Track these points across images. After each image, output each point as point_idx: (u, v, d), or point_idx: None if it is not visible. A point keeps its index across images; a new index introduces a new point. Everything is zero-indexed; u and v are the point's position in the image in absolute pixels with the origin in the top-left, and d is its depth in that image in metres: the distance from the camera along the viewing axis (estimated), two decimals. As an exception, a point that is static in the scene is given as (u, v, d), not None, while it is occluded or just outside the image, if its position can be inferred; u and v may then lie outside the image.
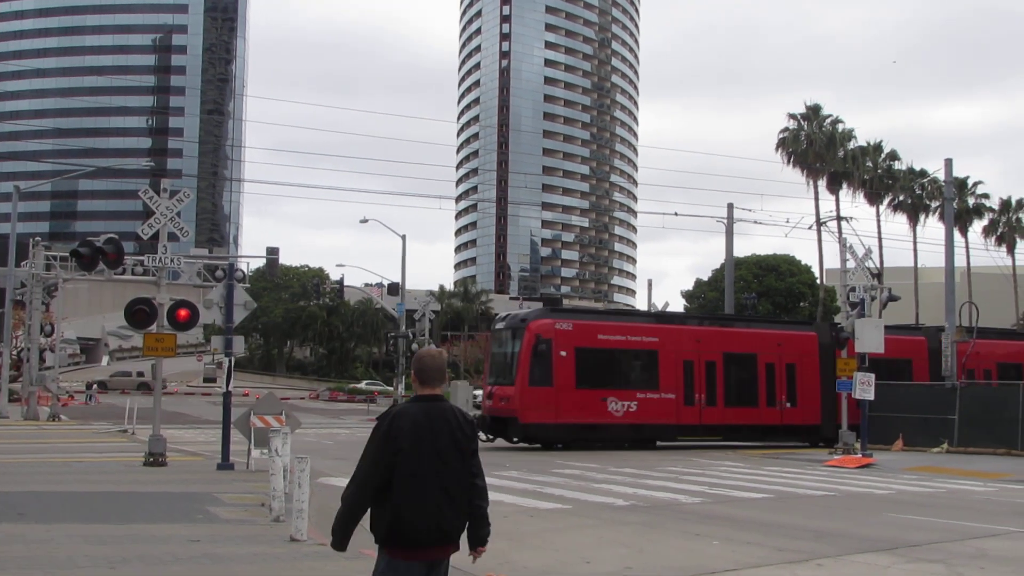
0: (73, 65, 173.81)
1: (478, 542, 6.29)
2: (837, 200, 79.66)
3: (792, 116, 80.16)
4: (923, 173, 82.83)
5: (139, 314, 23.10)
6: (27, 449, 27.31)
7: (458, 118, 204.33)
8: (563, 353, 33.04)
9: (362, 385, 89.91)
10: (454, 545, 6.10)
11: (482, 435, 34.68)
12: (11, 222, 51.60)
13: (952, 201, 45.05)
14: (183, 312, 23.51)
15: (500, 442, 34.50)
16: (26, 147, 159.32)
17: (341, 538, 6.02)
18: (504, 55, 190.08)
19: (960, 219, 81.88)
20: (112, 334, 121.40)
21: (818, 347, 37.14)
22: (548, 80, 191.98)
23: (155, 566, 11.03)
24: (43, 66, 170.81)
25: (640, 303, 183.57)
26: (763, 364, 36.17)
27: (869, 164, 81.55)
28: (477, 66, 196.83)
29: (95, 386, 74.00)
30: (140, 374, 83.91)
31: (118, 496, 17.25)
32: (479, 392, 74.13)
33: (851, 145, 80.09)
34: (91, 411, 54.49)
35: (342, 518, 6.01)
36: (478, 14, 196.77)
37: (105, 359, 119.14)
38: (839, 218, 55.55)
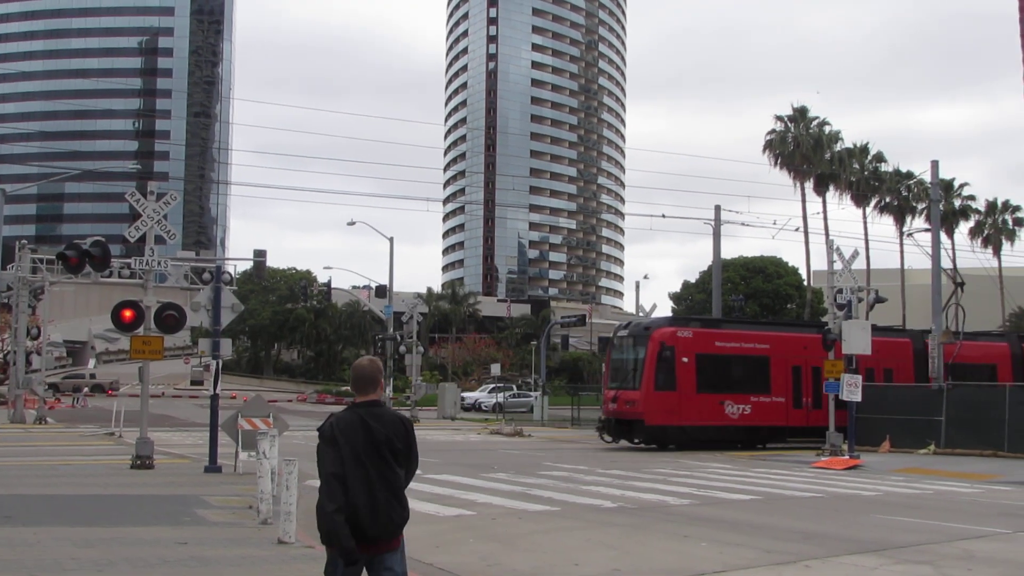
0: (59, 68, 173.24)
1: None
2: (824, 202, 79.90)
3: (779, 118, 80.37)
4: (909, 175, 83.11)
5: (126, 317, 23.03)
6: (14, 452, 27.20)
7: (445, 120, 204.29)
8: (685, 359, 35.13)
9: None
10: (396, 541, 6.52)
11: (606, 437, 36.36)
12: (-3, 225, 51.34)
13: (938, 203, 45.18)
14: (170, 315, 23.46)
15: (622, 443, 35.89)
16: (12, 150, 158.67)
17: (349, 543, 6.25)
18: (491, 57, 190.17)
19: (946, 221, 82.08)
20: (99, 337, 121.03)
21: (912, 353, 39.42)
22: (535, 82, 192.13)
23: (142, 569, 11.00)
24: (29, 69, 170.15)
25: (628, 305, 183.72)
26: (864, 369, 37.56)
27: (856, 166, 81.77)
28: (464, 68, 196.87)
29: (85, 390, 73.67)
30: (92, 376, 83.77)
31: (105, 499, 17.20)
32: (467, 394, 74.53)
33: (838, 147, 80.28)
34: (78, 414, 54.28)
35: (332, 519, 6.28)
36: (465, 16, 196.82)
37: (92, 362, 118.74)
38: (826, 220, 55.96)
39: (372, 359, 6.92)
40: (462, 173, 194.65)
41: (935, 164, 42.12)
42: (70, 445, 30.86)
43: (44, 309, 49.17)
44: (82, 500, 17.10)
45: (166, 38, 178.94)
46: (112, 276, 32.41)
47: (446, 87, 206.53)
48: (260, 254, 41.59)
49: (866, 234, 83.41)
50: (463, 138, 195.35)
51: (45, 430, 39.79)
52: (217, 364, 24.01)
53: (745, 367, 36.99)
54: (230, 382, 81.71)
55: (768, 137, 79.90)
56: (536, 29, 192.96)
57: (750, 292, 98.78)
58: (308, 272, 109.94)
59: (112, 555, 11.69)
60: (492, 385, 75.56)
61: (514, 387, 77.99)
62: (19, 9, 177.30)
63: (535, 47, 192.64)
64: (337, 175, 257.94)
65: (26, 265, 44.67)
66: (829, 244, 33.26)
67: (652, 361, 34.66)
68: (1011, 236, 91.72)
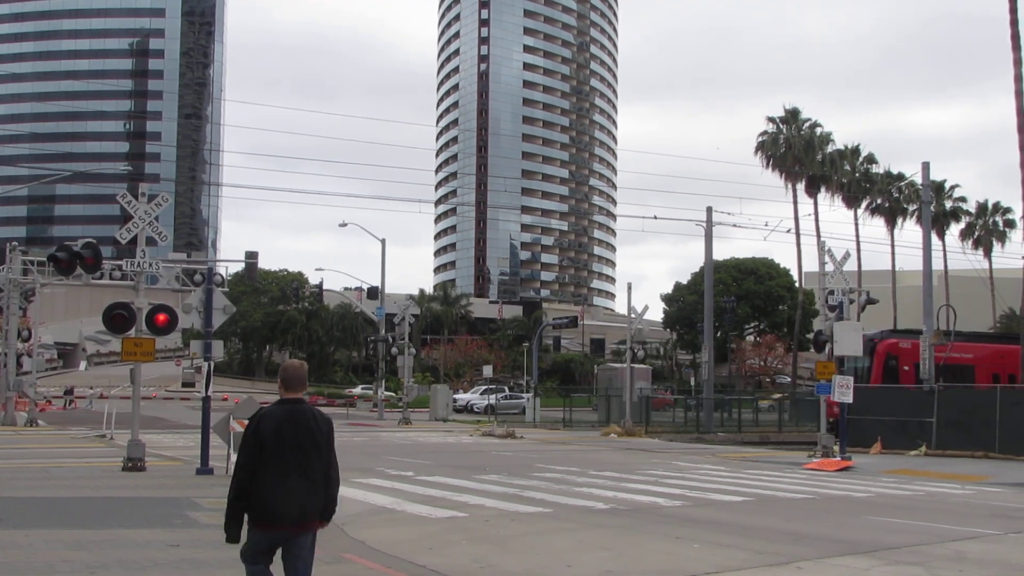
0: (49, 69, 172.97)
1: (324, 518, 7.47)
2: (815, 204, 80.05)
3: (771, 120, 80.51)
4: (900, 176, 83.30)
5: (117, 319, 22.99)
6: (4, 455, 27.11)
7: (437, 122, 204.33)
8: (906, 368, 39.45)
9: (358, 390, 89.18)
10: (314, 524, 7.36)
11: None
12: (-12, 226, 51.21)
13: (929, 204, 45.22)
14: (162, 316, 23.40)
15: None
16: (2, 151, 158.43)
17: (235, 529, 7.28)
18: (483, 59, 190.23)
19: (937, 222, 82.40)
20: (90, 339, 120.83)
21: None
22: (527, 83, 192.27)
23: (134, 571, 10.97)
24: (19, 71, 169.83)
25: (620, 307, 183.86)
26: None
27: (847, 167, 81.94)
28: (456, 70, 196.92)
29: (75, 390, 73.50)
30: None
31: (97, 501, 17.16)
32: (459, 396, 74.49)
33: (829, 149, 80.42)
34: (69, 416, 54.18)
35: (236, 508, 7.26)
36: (456, 18, 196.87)
37: (83, 364, 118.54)
38: (817, 221, 55.95)
39: (301, 362, 7.73)
40: (454, 174, 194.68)
41: (926, 166, 42.22)
42: (61, 447, 30.79)
43: (35, 311, 49.10)
44: (73, 502, 17.05)
45: (157, 40, 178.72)
46: (103, 278, 32.34)
47: (438, 88, 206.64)
48: (252, 256, 41.60)
49: (857, 236, 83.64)
50: (455, 139, 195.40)
51: (36, 432, 39.72)
52: (209, 366, 23.97)
53: (954, 374, 40.13)
54: (222, 384, 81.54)
55: (760, 139, 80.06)
56: (528, 31, 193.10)
57: (742, 293, 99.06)
58: (300, 274, 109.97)
59: (104, 557, 11.67)
60: (484, 387, 75.60)
61: (506, 389, 78.00)
62: (9, 11, 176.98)
63: (527, 48, 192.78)
64: (329, 176, 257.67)
65: (17, 267, 44.56)
66: (820, 246, 33.27)
67: (879, 370, 39.40)
68: (1002, 237, 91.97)
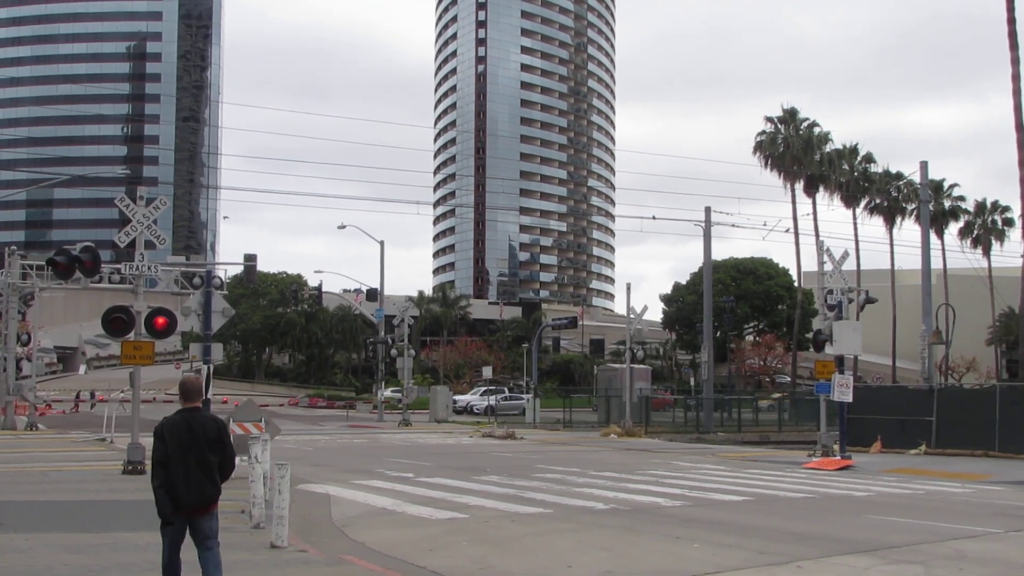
0: (47, 74, 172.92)
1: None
2: (814, 203, 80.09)
3: (769, 119, 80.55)
4: (899, 176, 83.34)
5: (116, 322, 22.96)
6: (4, 459, 27.10)
7: (435, 123, 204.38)
8: None
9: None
10: (212, 506, 9.04)
11: None
12: (-14, 231, 51.23)
13: (928, 203, 45.34)
14: (161, 320, 23.38)
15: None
16: (0, 156, 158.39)
17: (163, 507, 8.77)
18: (480, 60, 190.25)
19: (936, 221, 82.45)
20: (89, 343, 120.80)
21: None
22: (524, 85, 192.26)
23: (134, 574, 10.97)
24: (17, 75, 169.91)
25: (619, 307, 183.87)
26: None
27: (845, 167, 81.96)
28: (453, 71, 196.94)
29: (80, 393, 73.18)
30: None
31: (97, 505, 17.16)
32: (458, 397, 74.50)
33: (827, 148, 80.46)
34: (69, 420, 54.17)
35: (157, 493, 8.78)
36: (454, 19, 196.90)
37: (82, 368, 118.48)
38: (816, 221, 55.96)
39: (196, 376, 9.76)
40: (452, 176, 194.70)
41: (924, 165, 42.32)
42: (61, 451, 30.78)
43: (34, 315, 49.07)
44: (74, 506, 17.04)
45: (154, 43, 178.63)
46: (102, 282, 32.30)
47: (435, 90, 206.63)
48: (250, 258, 41.46)
49: (856, 235, 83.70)
50: (453, 141, 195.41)
51: (36, 436, 39.70)
52: (208, 369, 23.98)
53: None
54: (221, 387, 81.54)
55: (758, 138, 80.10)
56: (525, 32, 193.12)
57: (741, 293, 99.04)
58: (299, 276, 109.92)
59: (104, 561, 11.66)
60: (483, 388, 75.62)
61: (506, 390, 77.98)
62: (7, 15, 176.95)
63: (524, 50, 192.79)
64: (327, 179, 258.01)
65: (16, 271, 44.53)
66: (819, 245, 33.27)
67: None
68: (1000, 236, 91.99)
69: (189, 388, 9.34)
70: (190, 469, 8.78)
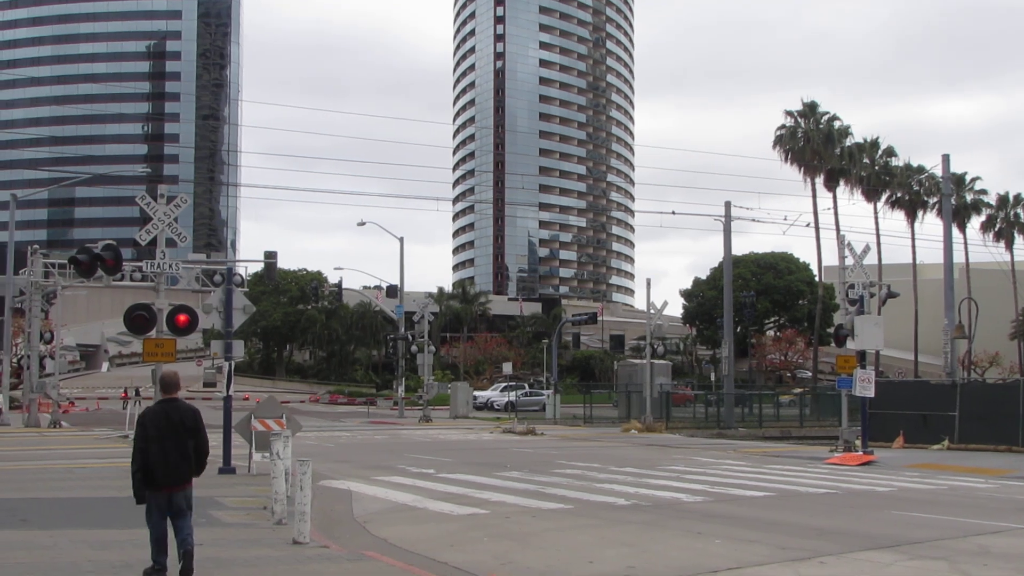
0: (68, 73, 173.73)
1: (197, 474, 10.63)
2: (835, 197, 79.71)
3: (789, 113, 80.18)
4: (920, 169, 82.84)
5: (138, 320, 23.09)
6: (29, 456, 27.30)
7: (454, 120, 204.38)
8: None
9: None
10: (186, 485, 10.46)
11: None
12: (9, 230, 51.59)
13: (950, 197, 45.06)
14: (182, 317, 23.49)
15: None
16: (22, 155, 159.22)
17: (141, 494, 10.31)
18: (499, 56, 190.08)
19: (958, 215, 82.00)
20: (111, 340, 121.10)
21: None
22: (543, 80, 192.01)
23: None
24: (38, 75, 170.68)
25: (639, 303, 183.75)
26: None
27: (866, 161, 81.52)
28: (472, 67, 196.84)
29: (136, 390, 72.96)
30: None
31: (120, 501, 17.21)
32: (479, 393, 74.57)
33: (848, 142, 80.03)
34: (92, 417, 54.46)
35: (135, 476, 10.27)
36: (472, 15, 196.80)
37: (105, 365, 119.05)
38: (836, 215, 55.61)
39: (175, 371, 11.19)
40: (471, 172, 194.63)
41: (946, 158, 42.05)
42: (85, 448, 30.96)
43: (57, 313, 49.37)
44: (97, 503, 17.14)
45: (174, 42, 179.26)
46: (124, 279, 32.47)
47: (454, 86, 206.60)
48: (271, 255, 41.52)
49: (877, 229, 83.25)
50: (472, 137, 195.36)
51: (60, 434, 39.95)
52: (230, 366, 24.06)
53: None
54: (242, 383, 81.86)
55: (778, 132, 79.75)
56: (543, 27, 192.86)
57: (761, 288, 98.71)
58: (319, 273, 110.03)
59: (128, 557, 11.73)
60: (504, 384, 75.64)
61: (526, 386, 77.97)
62: (27, 15, 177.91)
63: (543, 45, 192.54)
64: (346, 176, 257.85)
65: (38, 270, 44.85)
66: (840, 239, 33.17)
67: None
68: (1023, 230, 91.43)
69: (168, 382, 10.69)
70: (168, 451, 10.20)
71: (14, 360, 54.58)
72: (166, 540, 10.43)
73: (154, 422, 10.29)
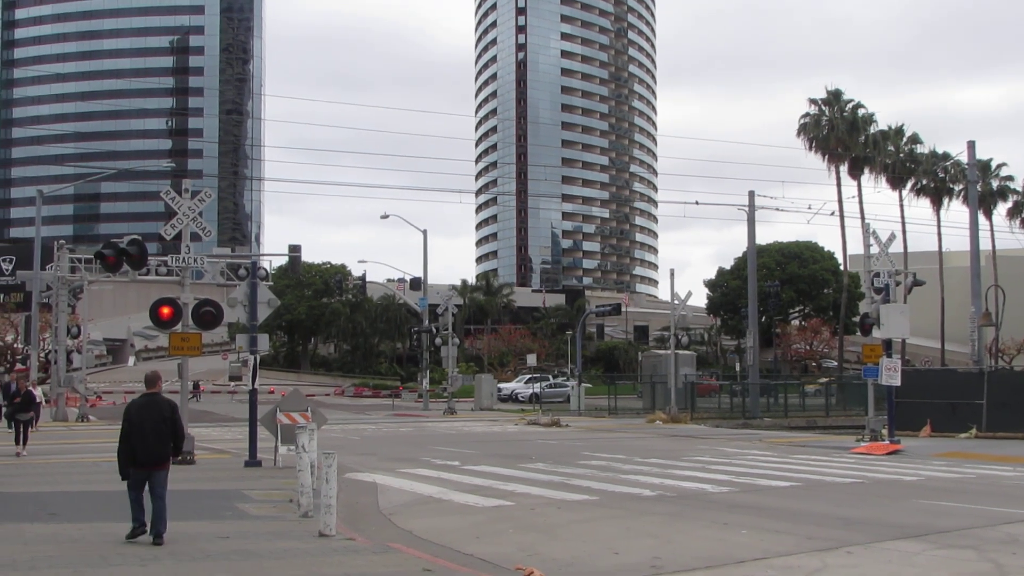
0: (92, 69, 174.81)
1: (175, 455, 12.69)
2: (859, 185, 79.21)
3: (813, 101, 79.72)
4: (946, 156, 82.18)
5: (164, 314, 23.21)
6: (57, 450, 27.50)
7: (476, 112, 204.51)
8: None
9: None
10: (165, 464, 12.43)
11: None
12: (35, 226, 51.99)
13: (976, 184, 44.74)
14: (207, 311, 23.61)
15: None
16: (48, 151, 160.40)
17: (126, 471, 12.33)
18: (520, 47, 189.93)
19: (984, 202, 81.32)
20: (138, 334, 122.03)
21: None
22: (565, 71, 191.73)
23: (186, 563, 11.10)
24: (62, 71, 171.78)
25: (663, 293, 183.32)
26: None
27: (891, 148, 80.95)
28: (494, 59, 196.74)
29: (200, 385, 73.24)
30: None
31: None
32: (503, 385, 74.61)
33: (872, 130, 79.47)
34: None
35: (120, 457, 12.34)
36: (493, 7, 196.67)
37: (131, 359, 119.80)
38: (861, 203, 55.29)
39: (157, 370, 13.14)
40: (494, 164, 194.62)
41: (971, 145, 41.73)
42: (112, 442, 30.97)
43: (83, 308, 49.66)
44: (124, 496, 17.20)
45: (197, 37, 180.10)
46: (149, 274, 32.55)
47: (476, 78, 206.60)
48: (295, 249, 41.59)
49: (902, 217, 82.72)
50: (494, 129, 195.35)
51: (87, 427, 40.24)
52: (255, 359, 24.14)
53: None
54: (268, 377, 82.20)
55: (802, 120, 79.32)
56: (565, 18, 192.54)
57: (786, 278, 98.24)
58: (343, 266, 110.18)
59: (155, 550, 11.81)
60: (527, 376, 75.66)
61: (550, 377, 77.93)
62: (51, 12, 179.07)
63: (564, 36, 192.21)
64: (369, 169, 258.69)
65: (65, 265, 45.12)
66: (865, 228, 32.97)
67: None
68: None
69: (150, 379, 12.79)
70: (147, 436, 12.13)
71: (42, 355, 54.99)
72: (142, 502, 12.38)
73: (138, 412, 12.31)
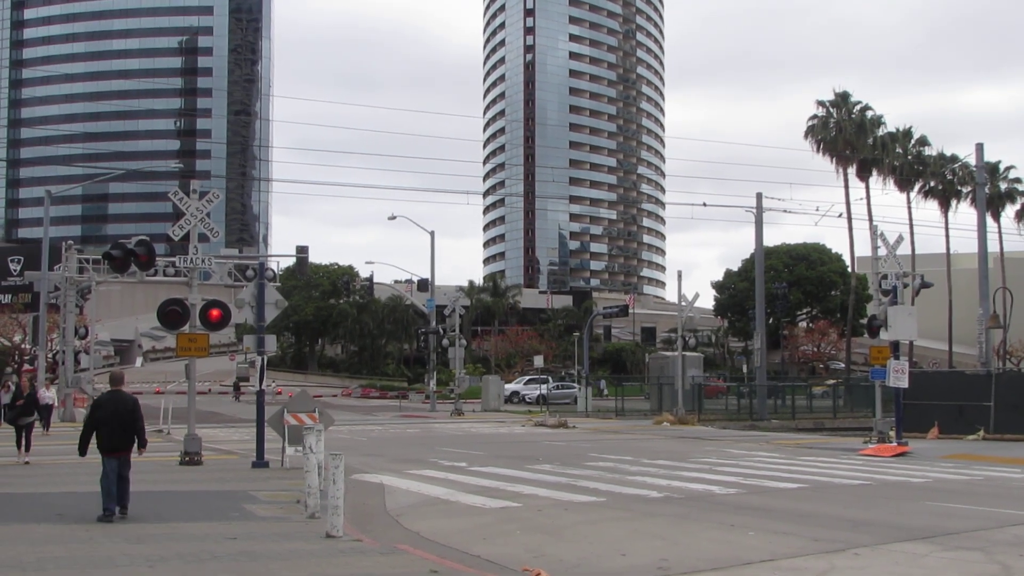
0: (101, 69, 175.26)
1: (140, 446, 14.81)
2: (867, 187, 78.98)
3: (820, 103, 79.50)
4: (954, 158, 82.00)
5: (172, 315, 23.26)
6: (64, 450, 27.52)
7: (484, 113, 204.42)
8: None
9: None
10: (130, 449, 14.65)
11: None
12: (44, 226, 52.07)
13: (984, 186, 44.64)
14: (215, 312, 23.63)
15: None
16: (56, 151, 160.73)
17: (84, 451, 14.75)
18: (528, 49, 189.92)
19: (992, 204, 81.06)
20: (145, 335, 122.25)
21: None
22: (573, 73, 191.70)
23: (193, 564, 11.11)
24: (71, 71, 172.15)
25: (670, 295, 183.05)
26: None
27: (899, 150, 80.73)
28: (502, 60, 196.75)
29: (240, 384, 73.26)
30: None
31: (155, 495, 17.37)
32: (510, 386, 74.59)
33: (880, 132, 79.24)
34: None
35: (82, 440, 14.70)
36: (502, 8, 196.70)
37: (139, 360, 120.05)
38: (869, 205, 55.20)
39: (122, 370, 15.88)
40: (502, 165, 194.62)
41: (980, 147, 41.66)
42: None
43: (91, 308, 49.73)
44: (132, 497, 17.24)
45: (205, 37, 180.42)
46: (157, 275, 32.69)
47: (484, 80, 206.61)
48: (302, 250, 41.73)
49: (910, 219, 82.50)
50: (502, 130, 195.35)
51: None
52: (262, 360, 24.16)
53: None
54: (275, 378, 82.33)
55: (810, 122, 79.12)
56: (573, 20, 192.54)
57: (794, 279, 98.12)
58: (350, 267, 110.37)
59: (163, 551, 11.82)
60: (528, 377, 75.67)
61: (550, 379, 77.84)
62: (60, 12, 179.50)
63: (572, 38, 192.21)
64: (377, 170, 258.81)
65: (72, 265, 45.22)
66: (873, 230, 32.89)
67: None
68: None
69: (115, 377, 15.05)
70: (114, 428, 14.37)
71: (49, 355, 55.04)
72: (115, 492, 14.40)
73: (106, 406, 14.52)
